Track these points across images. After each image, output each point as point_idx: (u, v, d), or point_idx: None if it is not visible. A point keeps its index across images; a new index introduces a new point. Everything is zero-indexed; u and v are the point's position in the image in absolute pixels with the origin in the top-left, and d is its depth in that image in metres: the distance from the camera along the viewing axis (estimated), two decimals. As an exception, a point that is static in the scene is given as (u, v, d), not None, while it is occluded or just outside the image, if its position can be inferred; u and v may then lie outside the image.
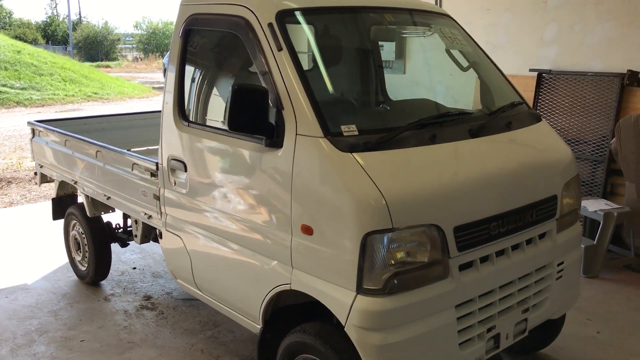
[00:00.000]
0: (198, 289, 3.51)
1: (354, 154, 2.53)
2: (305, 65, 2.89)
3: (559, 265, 3.16)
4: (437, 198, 2.56)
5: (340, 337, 2.59)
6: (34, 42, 41.75)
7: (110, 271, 5.11)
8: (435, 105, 3.35)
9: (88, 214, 4.56)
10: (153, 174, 3.62)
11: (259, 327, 3.05)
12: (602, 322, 4.18)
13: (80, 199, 4.77)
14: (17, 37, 36.33)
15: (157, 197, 3.60)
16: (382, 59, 7.41)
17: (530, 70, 6.13)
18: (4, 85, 21.17)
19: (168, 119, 3.42)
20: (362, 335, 2.47)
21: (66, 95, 21.96)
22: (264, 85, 2.80)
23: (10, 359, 3.76)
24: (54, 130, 4.80)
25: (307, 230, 2.62)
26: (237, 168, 3.00)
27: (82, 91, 22.67)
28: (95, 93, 22.72)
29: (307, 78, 2.71)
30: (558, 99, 5.92)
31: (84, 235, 4.76)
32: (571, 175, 3.22)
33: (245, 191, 2.96)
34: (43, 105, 20.55)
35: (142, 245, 4.57)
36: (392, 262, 2.46)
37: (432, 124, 2.86)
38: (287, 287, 2.80)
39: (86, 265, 4.83)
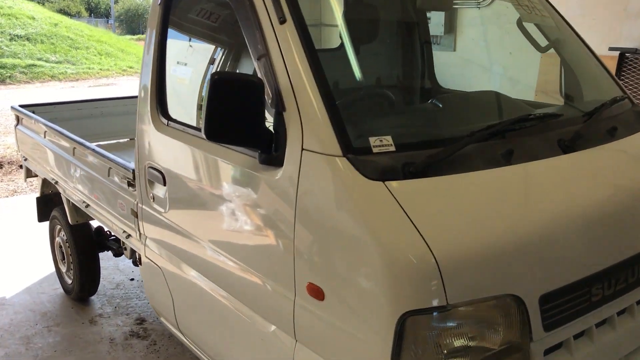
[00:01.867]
0: (183, 335, 2.70)
1: (389, 184, 1.65)
2: (319, 44, 2.01)
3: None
4: (516, 253, 1.66)
5: None
6: (77, 15, 41.77)
7: (104, 283, 4.36)
8: (507, 102, 2.38)
9: (70, 221, 3.79)
10: (130, 184, 2.80)
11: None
12: None
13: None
14: (61, 10, 36.29)
15: (135, 214, 2.79)
16: (430, 34, 6.47)
17: (610, 49, 5.06)
18: (39, 59, 20.89)
19: (144, 114, 2.59)
20: None
21: (101, 69, 21.60)
22: (258, 74, 1.93)
23: (-41, 406, 3.05)
24: (33, 118, 4.03)
25: (316, 292, 1.76)
26: (224, 188, 2.14)
27: (117, 65, 22.27)
28: (131, 67, 22.28)
29: (321, 64, 1.82)
30: (644, 84, 4.87)
31: (67, 244, 4.01)
32: None
33: (234, 221, 2.11)
34: (77, 80, 20.20)
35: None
36: (445, 352, 1.59)
37: (504, 131, 1.94)
38: (288, 366, 1.95)
39: (72, 278, 4.09)
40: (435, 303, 1.54)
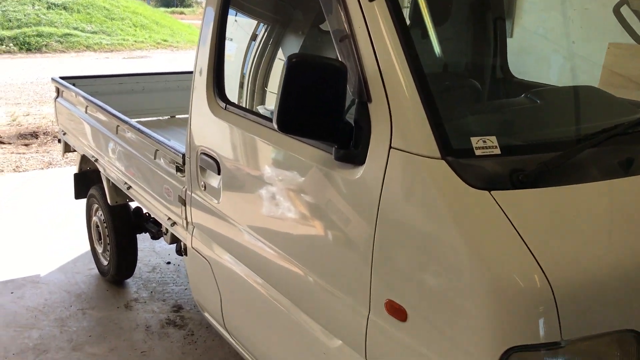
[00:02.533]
0: (229, 334, 2.51)
1: (496, 194, 1.40)
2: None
3: None
4: (637, 282, 1.42)
5: None
6: (116, -14, 41.78)
7: (139, 265, 4.21)
8: (613, 101, 2.08)
9: (109, 202, 3.63)
10: (179, 169, 2.60)
11: None
12: None
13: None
14: (97, -20, 36.25)
15: (183, 201, 2.59)
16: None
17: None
18: (75, 29, 20.92)
19: (199, 96, 2.37)
20: None
21: (135, 41, 21.56)
22: (340, 58, 1.69)
23: (-9, 391, 2.93)
24: (74, 91, 3.86)
25: (397, 312, 1.54)
26: (290, 184, 1.92)
27: (151, 37, 22.19)
28: (165, 40, 22.21)
29: (417, 49, 1.57)
30: None
31: (105, 224, 3.85)
32: None
33: (299, 221, 1.90)
34: (112, 51, 20.17)
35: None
36: (553, 394, 1.36)
37: (624, 134, 1.68)
38: (354, 388, 1.74)
39: (108, 260, 3.94)
40: (548, 339, 1.30)
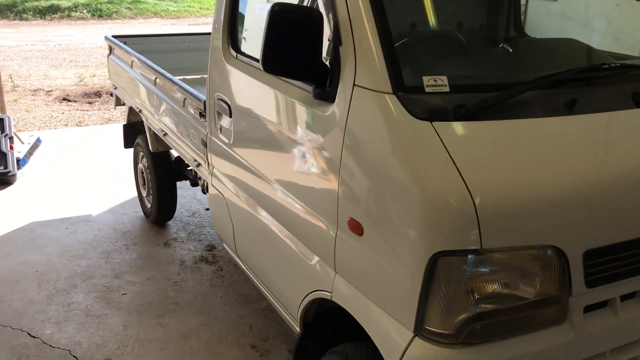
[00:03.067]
0: (240, 260, 2.84)
1: (436, 124, 1.62)
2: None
3: None
4: (562, 205, 1.60)
5: (392, 381, 1.79)
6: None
7: (181, 210, 4.63)
8: (586, 51, 2.24)
9: (150, 149, 4.01)
10: (202, 114, 2.91)
11: (298, 331, 2.32)
12: None
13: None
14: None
15: (205, 144, 2.91)
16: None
17: None
18: (143, -5, 21.61)
19: (216, 46, 2.66)
20: (417, 396, 1.65)
21: (201, 8, 22.08)
22: (319, 7, 1.92)
23: (44, 305, 3.38)
24: (123, 49, 4.23)
25: (356, 227, 1.79)
26: (280, 122, 2.19)
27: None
28: (230, 7, 22.60)
29: (391, 3, 1.79)
30: None
31: (148, 170, 4.24)
32: None
33: (288, 155, 2.16)
34: (178, 17, 20.77)
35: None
36: (477, 297, 1.58)
37: (574, 80, 1.85)
38: (327, 296, 2.02)
39: (151, 203, 4.35)
40: (468, 246, 1.53)
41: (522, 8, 6.18)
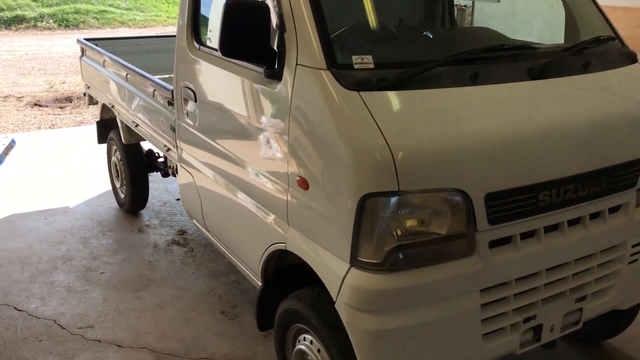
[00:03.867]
0: (208, 232, 3.17)
1: (362, 93, 1.99)
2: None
3: (634, 246, 2.50)
4: (465, 156, 1.99)
5: (336, 312, 2.14)
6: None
7: (153, 201, 4.93)
8: (495, 36, 2.66)
9: (123, 141, 4.32)
10: (170, 103, 3.25)
11: (260, 285, 2.67)
12: (693, 312, 3.45)
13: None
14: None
15: (173, 129, 3.25)
16: (474, -15, 6.57)
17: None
18: (110, 5, 21.70)
19: (181, 40, 3.00)
20: (354, 316, 2.02)
21: (168, 17, 22.23)
22: (267, 1, 2.29)
23: (27, 284, 3.66)
24: (95, 50, 4.54)
25: (303, 183, 2.16)
26: (238, 102, 2.55)
27: (183, 13, 22.79)
28: (196, 16, 22.78)
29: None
30: (678, 38, 4.90)
31: (121, 162, 4.55)
32: (665, 134, 2.49)
33: (246, 130, 2.52)
34: (145, 27, 20.90)
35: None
36: (398, 232, 1.95)
37: (480, 59, 2.24)
38: (282, 247, 2.37)
39: (124, 193, 4.65)
40: (389, 188, 1.90)
41: (470, 7, 6.67)
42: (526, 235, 2.18)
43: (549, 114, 2.21)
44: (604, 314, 2.63)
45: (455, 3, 6.87)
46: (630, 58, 2.63)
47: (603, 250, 2.39)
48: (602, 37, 2.63)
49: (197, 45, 2.89)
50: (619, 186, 2.35)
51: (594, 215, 2.33)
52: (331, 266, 2.08)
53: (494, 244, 2.10)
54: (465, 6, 6.75)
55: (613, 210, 2.40)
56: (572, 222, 2.28)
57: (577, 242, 2.29)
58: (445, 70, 2.14)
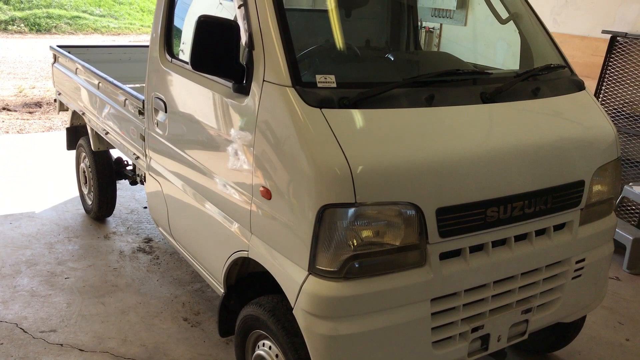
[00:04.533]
0: (174, 239, 3.25)
1: (324, 110, 2.11)
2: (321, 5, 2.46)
3: (578, 262, 2.66)
4: (418, 172, 2.12)
5: (294, 318, 2.24)
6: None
7: (120, 208, 4.97)
8: (453, 61, 2.82)
9: (92, 148, 4.36)
10: (141, 112, 3.33)
11: (222, 292, 2.75)
12: (636, 327, 3.64)
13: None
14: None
15: (143, 138, 3.32)
16: (442, 8, 6.80)
17: (603, 32, 5.36)
18: (84, 11, 21.57)
19: (154, 51, 3.09)
20: (310, 322, 2.12)
21: (142, 25, 22.19)
22: (238, 19, 2.40)
23: (-10, 288, 3.67)
24: (67, 57, 4.59)
25: (266, 193, 2.26)
26: (207, 114, 2.64)
27: (158, 23, 22.78)
28: (171, 26, 22.77)
29: (286, 15, 2.28)
30: (631, 68, 5.16)
31: (90, 169, 4.58)
32: (609, 158, 2.66)
33: (213, 141, 2.62)
34: (119, 34, 20.82)
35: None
36: (354, 242, 2.06)
37: (436, 82, 2.39)
38: (245, 254, 2.47)
39: (92, 200, 4.68)
40: (346, 200, 2.01)
41: (438, 30, 6.89)
42: (475, 249, 2.31)
43: (499, 136, 2.36)
44: (550, 327, 2.78)
45: (423, 25, 7.11)
46: (578, 85, 2.81)
47: (548, 265, 2.54)
48: (552, 65, 2.80)
49: (169, 57, 2.98)
50: (564, 205, 2.51)
51: (540, 232, 2.48)
52: (290, 274, 2.18)
53: (444, 256, 2.23)
54: (433, 29, 6.98)
55: (558, 227, 2.55)
56: (519, 238, 2.43)
57: (523, 256, 2.43)
58: (403, 92, 2.27)
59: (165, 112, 2.98)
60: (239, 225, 2.51)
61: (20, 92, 9.59)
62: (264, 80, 2.25)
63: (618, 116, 5.14)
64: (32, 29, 19.42)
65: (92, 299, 3.61)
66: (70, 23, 20.39)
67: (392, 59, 2.66)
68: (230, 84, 2.42)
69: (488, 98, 2.43)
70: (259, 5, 2.30)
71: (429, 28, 6.94)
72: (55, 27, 19.94)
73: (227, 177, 2.53)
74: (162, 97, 3.00)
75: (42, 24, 19.74)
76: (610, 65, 5.31)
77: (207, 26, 2.25)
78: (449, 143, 2.23)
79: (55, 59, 5.00)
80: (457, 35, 6.76)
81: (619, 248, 4.23)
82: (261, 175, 2.28)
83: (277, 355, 2.41)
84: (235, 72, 2.34)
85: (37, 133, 7.35)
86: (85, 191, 4.78)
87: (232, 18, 2.79)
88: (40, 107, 8.57)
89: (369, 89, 2.21)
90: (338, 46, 2.70)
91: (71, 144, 4.94)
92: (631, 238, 4.35)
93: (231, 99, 2.43)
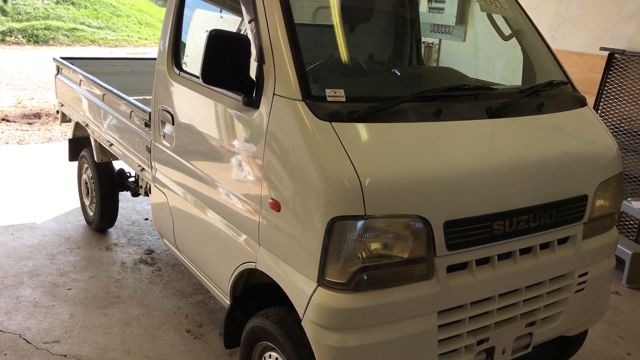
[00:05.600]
0: (179, 251, 3.26)
1: (334, 124, 2.14)
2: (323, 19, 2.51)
3: (581, 276, 2.69)
4: (427, 186, 2.15)
5: (302, 330, 2.26)
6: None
7: (121, 220, 4.98)
8: (458, 76, 2.87)
9: (95, 159, 4.38)
10: (147, 124, 3.35)
11: (228, 303, 2.76)
12: (637, 342, 3.67)
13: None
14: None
15: (149, 150, 3.34)
16: (441, 24, 6.88)
17: (601, 49, 5.43)
18: (82, 23, 21.63)
19: (161, 65, 3.12)
20: (319, 333, 2.14)
21: (139, 37, 22.27)
22: (248, 34, 2.43)
23: (-7, 299, 3.67)
24: (71, 68, 4.62)
25: (275, 205, 2.28)
26: (216, 126, 2.67)
27: (155, 35, 22.90)
28: (168, 38, 22.87)
29: (296, 30, 2.32)
30: (629, 84, 5.23)
31: (92, 180, 4.60)
32: (611, 173, 2.70)
33: (222, 153, 2.64)
34: (116, 46, 20.87)
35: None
36: (363, 254, 2.09)
37: (443, 97, 2.43)
38: (252, 266, 2.48)
39: (93, 211, 4.69)
40: (356, 212, 2.04)
41: (437, 45, 6.96)
42: (481, 262, 2.34)
43: (504, 150, 2.40)
44: (553, 340, 2.80)
45: (422, 40, 7.18)
46: (580, 101, 2.85)
47: (552, 278, 2.57)
48: (555, 82, 2.84)
49: (177, 70, 3.01)
50: (568, 219, 2.54)
51: (544, 246, 2.51)
52: (299, 285, 2.20)
53: (451, 269, 2.26)
54: (432, 44, 7.05)
55: (562, 241, 2.58)
56: (524, 251, 2.46)
57: (528, 270, 2.46)
58: (410, 106, 2.31)
59: (173, 124, 3.01)
60: (246, 237, 2.52)
61: (19, 103, 9.61)
62: (274, 94, 2.28)
63: (616, 132, 5.20)
64: (29, 40, 19.45)
65: (94, 310, 3.61)
66: (67, 35, 20.45)
67: (399, 73, 2.70)
68: (240, 97, 2.45)
69: (493, 113, 2.46)
70: (269, 20, 2.34)
71: (428, 43, 7.01)
72: (53, 38, 19.98)
73: (235, 189, 2.56)
74: (170, 109, 3.03)
75: (40, 35, 19.79)
76: (608, 82, 5.38)
77: (219, 40, 2.28)
78: (456, 157, 2.27)
79: (59, 70, 5.03)
80: (456, 51, 6.83)
81: (618, 263, 4.26)
82: (270, 188, 2.31)
83: (283, 367, 2.42)
84: (246, 85, 2.38)
85: (37, 144, 7.36)
86: (87, 202, 4.79)
87: (234, 30, 2.84)
88: (39, 118, 8.58)
89: (378, 103, 2.24)
90: (344, 60, 2.74)
91: (73, 155, 4.96)
92: (630, 253, 4.38)
93: (241, 112, 2.46)
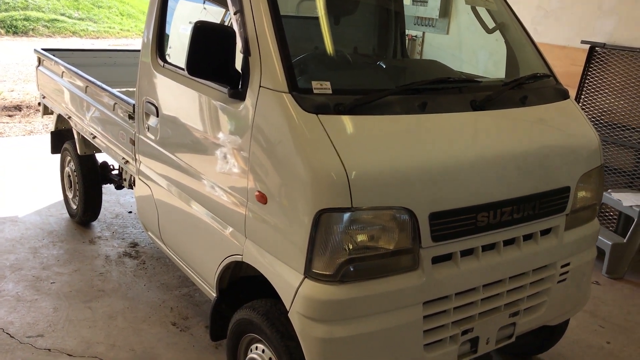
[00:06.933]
0: (164, 244, 3.25)
1: (321, 116, 2.15)
2: (307, 12, 2.50)
3: (563, 266, 2.73)
4: (412, 178, 2.16)
5: (288, 322, 2.27)
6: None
7: (105, 213, 4.94)
8: (443, 69, 2.89)
9: (78, 152, 4.34)
10: (131, 117, 3.33)
11: (214, 296, 2.76)
12: (616, 331, 3.73)
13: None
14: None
15: (133, 142, 3.32)
16: (425, 16, 6.90)
17: (582, 42, 5.49)
18: (62, 14, 21.33)
19: (145, 57, 3.10)
20: (305, 325, 2.15)
21: (121, 29, 22.02)
22: (234, 26, 2.42)
23: (-25, 293, 3.63)
24: (53, 60, 4.56)
25: (262, 198, 2.28)
26: (201, 118, 2.66)
27: (137, 27, 22.66)
28: (150, 29, 22.66)
29: (282, 22, 2.32)
30: (609, 77, 5.30)
31: (75, 173, 4.56)
32: (593, 165, 2.74)
33: (207, 146, 2.64)
34: (98, 38, 20.61)
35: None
36: (350, 246, 2.10)
37: (428, 89, 2.44)
38: (239, 258, 2.49)
39: (77, 204, 4.65)
40: (342, 205, 2.05)
41: (420, 38, 6.98)
42: (466, 253, 2.36)
43: (489, 143, 2.42)
44: (535, 330, 2.84)
45: (406, 33, 7.20)
46: (562, 94, 2.89)
47: (535, 269, 2.61)
48: (538, 74, 2.87)
49: (161, 62, 2.99)
50: (551, 210, 2.57)
51: (528, 237, 2.54)
52: (286, 277, 2.20)
53: (436, 260, 2.28)
54: (415, 36, 7.06)
55: (545, 232, 2.62)
56: (508, 242, 2.49)
57: (511, 261, 2.49)
58: (396, 99, 2.32)
59: (157, 116, 2.99)
60: (232, 230, 2.52)
61: (-2, 95, 9.46)
62: (260, 86, 2.27)
63: (596, 124, 5.27)
64: (8, 31, 19.13)
65: (79, 303, 3.59)
66: (48, 26, 20.15)
67: (384, 66, 2.71)
68: (225, 90, 2.44)
69: (478, 106, 2.48)
70: (255, 12, 2.33)
71: (412, 36, 7.03)
72: (33, 29, 19.67)
73: (221, 181, 2.55)
74: (154, 101, 3.01)
75: (19, 26, 19.46)
76: (589, 75, 5.44)
77: (204, 32, 2.27)
78: (441, 149, 2.28)
79: (40, 62, 4.96)
80: (440, 43, 6.86)
81: (599, 253, 4.32)
82: (256, 180, 2.31)
83: (270, 359, 2.43)
84: (231, 77, 2.37)
85: (17, 137, 7.26)
86: (70, 195, 4.74)
87: (218, 22, 2.83)
88: (20, 111, 8.47)
89: (364, 95, 2.25)
90: (330, 53, 2.74)
91: (55, 148, 4.91)
92: (610, 243, 4.45)
93: (226, 104, 2.45)
